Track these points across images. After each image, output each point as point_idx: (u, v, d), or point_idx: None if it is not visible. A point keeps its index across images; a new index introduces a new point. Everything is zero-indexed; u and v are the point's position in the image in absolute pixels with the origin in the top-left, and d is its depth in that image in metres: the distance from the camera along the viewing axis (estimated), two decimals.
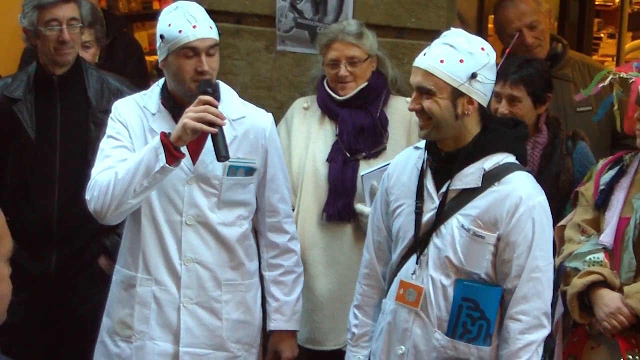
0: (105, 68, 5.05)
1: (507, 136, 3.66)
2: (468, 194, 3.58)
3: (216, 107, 3.73)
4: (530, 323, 3.54)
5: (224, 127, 3.75)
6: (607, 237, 3.91)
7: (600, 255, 3.90)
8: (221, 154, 3.71)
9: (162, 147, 3.70)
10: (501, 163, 3.59)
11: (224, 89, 4.01)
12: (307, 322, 4.49)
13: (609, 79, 3.92)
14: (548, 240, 3.60)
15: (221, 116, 3.73)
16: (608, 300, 3.83)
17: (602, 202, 3.97)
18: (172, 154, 3.71)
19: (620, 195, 3.94)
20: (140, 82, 5.30)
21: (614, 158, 4.07)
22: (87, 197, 3.84)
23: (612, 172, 4.02)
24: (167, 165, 3.70)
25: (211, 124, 3.70)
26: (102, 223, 3.89)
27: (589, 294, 3.87)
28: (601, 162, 4.10)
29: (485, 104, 3.61)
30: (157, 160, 3.70)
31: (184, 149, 3.83)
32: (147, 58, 6.52)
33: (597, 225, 4.00)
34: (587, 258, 3.91)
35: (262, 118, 4.04)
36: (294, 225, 4.20)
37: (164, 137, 3.72)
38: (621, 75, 3.88)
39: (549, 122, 4.49)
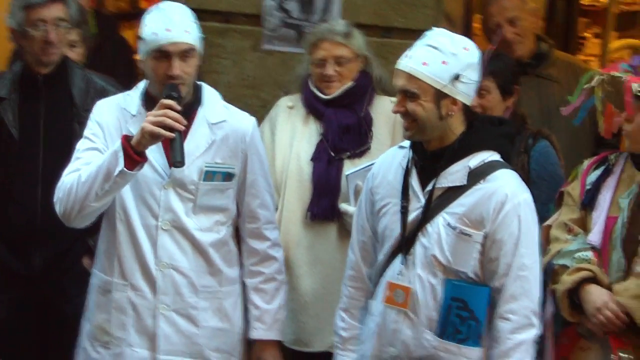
0: (95, 68, 5.04)
1: (492, 134, 3.67)
2: (454, 192, 3.58)
3: (178, 111, 3.69)
4: (519, 322, 3.55)
5: (190, 128, 3.74)
6: (594, 236, 3.91)
7: (589, 254, 3.90)
8: (176, 159, 3.68)
9: (122, 151, 3.66)
10: (486, 161, 3.60)
11: (207, 91, 3.99)
12: (293, 323, 4.47)
13: (595, 79, 3.91)
14: (534, 238, 3.61)
15: (180, 121, 3.68)
16: (595, 296, 3.82)
17: (588, 201, 3.98)
18: (132, 159, 3.67)
19: (607, 195, 3.94)
20: (131, 82, 5.29)
21: (599, 158, 4.07)
22: (55, 198, 3.82)
23: (598, 172, 4.01)
24: (125, 169, 3.66)
25: (170, 128, 3.66)
26: (68, 226, 3.86)
27: (578, 291, 3.88)
28: (586, 162, 4.10)
29: (469, 103, 3.62)
30: (117, 164, 3.67)
31: (160, 154, 3.82)
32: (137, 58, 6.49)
33: (583, 225, 4.00)
34: (576, 255, 3.90)
35: (243, 122, 4.01)
36: (277, 231, 4.15)
37: (125, 140, 3.69)
38: (612, 75, 3.87)
39: (515, 118, 4.45)
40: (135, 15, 7.85)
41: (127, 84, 4.83)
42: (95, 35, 5.50)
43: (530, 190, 4.08)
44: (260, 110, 4.56)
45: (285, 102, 4.69)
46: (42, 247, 4.44)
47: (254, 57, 5.08)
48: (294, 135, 4.58)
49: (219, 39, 5.06)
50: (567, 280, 3.88)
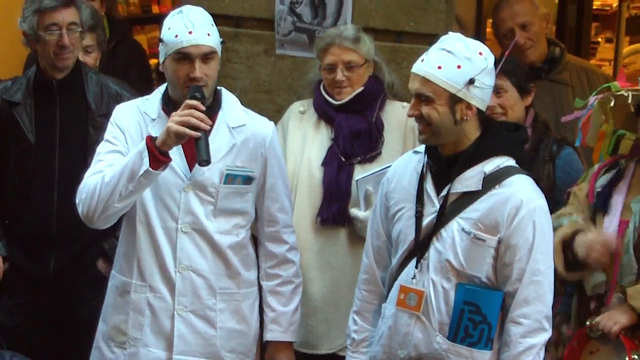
0: (109, 72, 5.06)
1: (507, 140, 3.67)
2: (468, 197, 3.59)
3: (202, 111, 3.71)
4: (531, 326, 3.56)
5: (211, 131, 3.74)
6: None
7: (579, 217, 3.95)
8: (202, 157, 3.70)
9: (147, 151, 3.69)
10: (501, 166, 3.61)
11: (226, 96, 4.01)
12: (301, 326, 4.44)
13: (627, 94, 3.90)
14: (548, 244, 3.62)
15: (205, 120, 3.71)
16: (585, 237, 3.87)
17: (601, 205, 3.99)
18: (157, 159, 3.70)
19: (619, 199, 3.95)
20: (144, 86, 5.31)
21: (610, 162, 4.07)
22: (77, 200, 3.84)
23: (608, 176, 4.03)
24: (150, 169, 3.68)
25: (195, 128, 3.68)
26: (90, 227, 3.89)
27: (571, 245, 3.91)
28: (596, 166, 4.11)
29: (484, 109, 3.63)
30: (141, 164, 3.69)
31: (180, 157, 3.84)
32: (151, 62, 6.50)
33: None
34: (573, 218, 3.96)
35: (263, 126, 4.03)
36: (294, 235, 4.17)
37: (150, 141, 3.71)
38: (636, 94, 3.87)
39: (537, 125, 4.46)
40: (146, 19, 7.88)
41: (141, 88, 4.85)
42: (108, 39, 5.52)
43: (556, 198, 4.09)
44: (275, 115, 4.56)
45: (297, 107, 4.69)
46: (57, 251, 4.46)
47: (267, 62, 5.08)
48: (305, 140, 4.58)
49: (230, 43, 5.06)
50: (561, 231, 3.90)
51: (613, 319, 3.86)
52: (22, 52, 5.49)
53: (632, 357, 3.81)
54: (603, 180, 4.04)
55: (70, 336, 4.51)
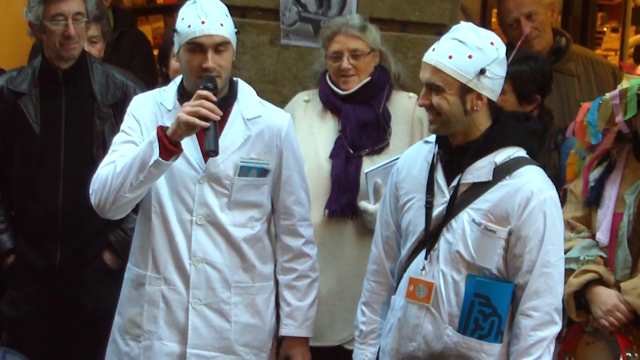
0: (113, 62, 5.05)
1: (518, 130, 3.66)
2: (479, 188, 3.58)
3: (213, 102, 3.70)
4: (541, 319, 3.54)
5: (225, 123, 3.74)
6: (602, 234, 3.92)
7: (593, 252, 3.91)
8: (210, 148, 3.69)
9: (157, 141, 3.68)
10: (512, 157, 3.59)
11: (242, 87, 4.00)
12: None
13: None
14: (559, 235, 3.60)
15: (215, 111, 3.69)
16: (605, 298, 3.84)
17: (594, 199, 3.97)
18: (167, 148, 3.68)
19: (612, 191, 3.93)
20: (147, 77, 5.30)
21: (601, 153, 4.04)
22: (90, 190, 3.83)
23: (600, 169, 4.00)
24: (160, 159, 3.67)
25: (205, 118, 3.67)
26: (103, 217, 3.87)
27: (584, 292, 3.89)
28: (588, 158, 4.08)
29: (495, 99, 3.61)
30: (152, 154, 3.68)
31: (196, 149, 3.83)
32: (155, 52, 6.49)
33: (587, 222, 4.01)
34: (581, 257, 3.92)
35: (278, 118, 4.00)
36: (311, 228, 4.12)
37: (161, 131, 3.70)
38: None
39: (541, 115, 4.44)
40: (151, 9, 7.86)
41: (144, 79, 4.83)
42: (112, 30, 5.51)
43: (562, 188, 4.07)
44: (280, 105, 4.54)
45: (301, 96, 4.69)
46: (63, 242, 4.45)
47: (272, 52, 5.08)
48: (311, 130, 4.57)
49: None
50: (573, 282, 3.89)
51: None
52: (26, 43, 5.48)
53: (627, 355, 3.81)
54: (596, 173, 4.01)
55: (75, 328, 4.51)
